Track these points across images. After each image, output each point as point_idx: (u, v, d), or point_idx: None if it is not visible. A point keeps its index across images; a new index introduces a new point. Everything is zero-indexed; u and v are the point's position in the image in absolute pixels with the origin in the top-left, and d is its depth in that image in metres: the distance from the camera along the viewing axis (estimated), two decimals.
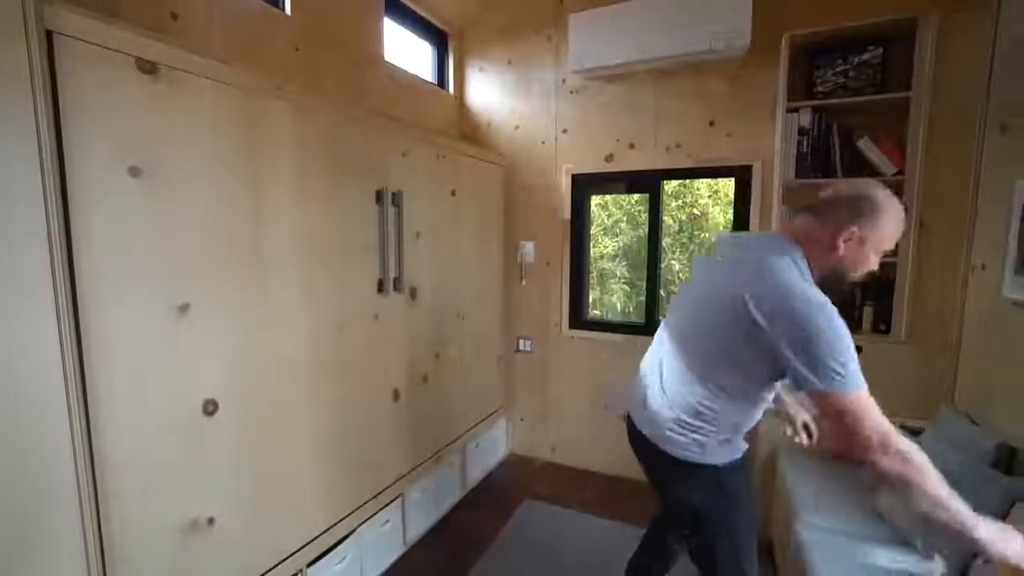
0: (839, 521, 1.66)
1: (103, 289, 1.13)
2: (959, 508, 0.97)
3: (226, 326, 1.40)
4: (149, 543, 1.25)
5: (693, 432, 1.21)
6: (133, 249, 1.18)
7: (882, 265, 2.15)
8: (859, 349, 2.25)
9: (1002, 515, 1.36)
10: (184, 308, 1.28)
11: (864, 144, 2.16)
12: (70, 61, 1.06)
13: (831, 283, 1.14)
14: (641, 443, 1.34)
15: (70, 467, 1.09)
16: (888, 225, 1.12)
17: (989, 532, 0.97)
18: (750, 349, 1.09)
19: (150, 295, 1.22)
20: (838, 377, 0.99)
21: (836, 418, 1.02)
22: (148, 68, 1.20)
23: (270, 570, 1.56)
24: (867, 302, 2.23)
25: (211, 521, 1.38)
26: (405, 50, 2.83)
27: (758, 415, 1.24)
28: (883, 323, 2.20)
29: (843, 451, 1.09)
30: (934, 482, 0.98)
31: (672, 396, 1.24)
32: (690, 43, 2.35)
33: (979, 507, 1.01)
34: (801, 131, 2.22)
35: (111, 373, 1.15)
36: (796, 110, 2.22)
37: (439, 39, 3.05)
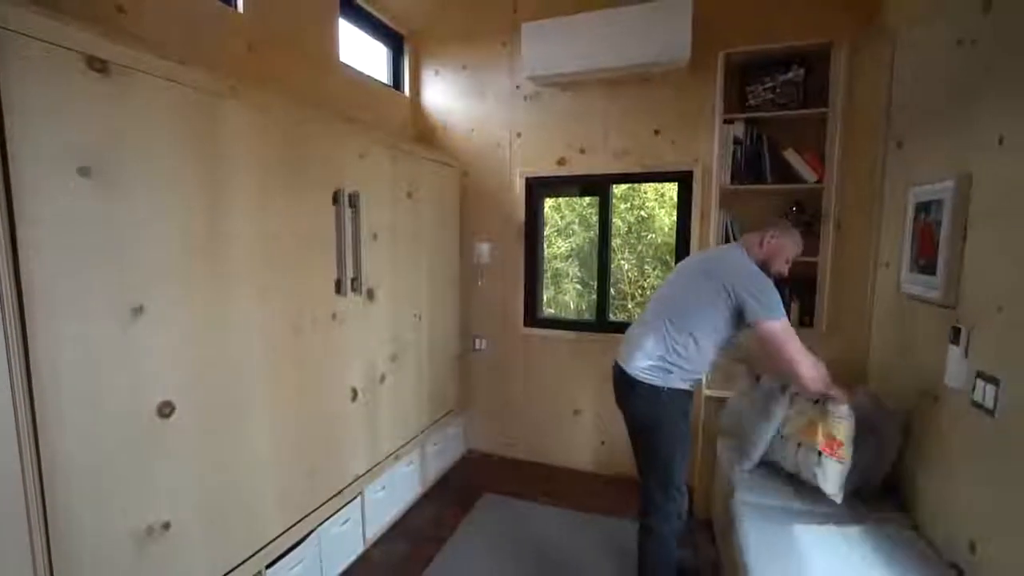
0: (766, 496, 1.84)
1: (52, 292, 1.11)
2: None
3: (182, 328, 1.38)
4: (102, 552, 1.23)
5: (664, 365, 1.74)
6: (84, 250, 1.16)
7: (806, 265, 2.39)
8: None
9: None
10: (138, 310, 1.27)
11: (790, 154, 2.38)
12: (14, 57, 1.04)
13: (761, 268, 1.78)
14: (623, 382, 1.82)
15: (16, 477, 1.06)
16: (792, 240, 1.84)
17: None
18: (720, 310, 1.70)
19: (102, 297, 1.20)
20: (776, 309, 1.65)
21: (771, 338, 1.64)
22: (99, 66, 1.18)
23: (228, 573, 1.55)
24: (794, 298, 2.46)
25: (167, 526, 1.37)
26: (360, 51, 2.83)
27: (708, 362, 1.80)
28: (808, 316, 2.43)
29: (773, 366, 1.85)
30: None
31: (657, 343, 1.75)
32: (636, 56, 2.49)
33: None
34: (736, 141, 2.42)
35: (60, 377, 1.12)
36: (731, 121, 2.41)
37: (394, 41, 3.07)
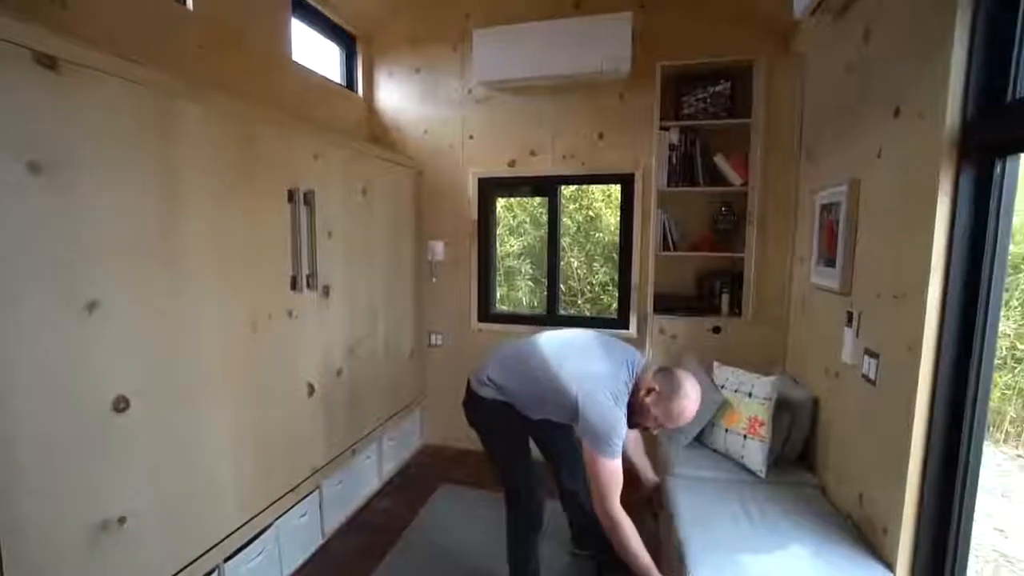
0: (699, 471, 2.04)
1: (2, 286, 1.11)
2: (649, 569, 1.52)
3: (138, 322, 1.40)
4: (55, 547, 1.23)
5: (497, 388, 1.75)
6: (33, 246, 1.17)
7: (733, 260, 2.62)
8: (718, 329, 2.70)
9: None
10: (92, 305, 1.28)
11: (719, 160, 2.61)
12: None
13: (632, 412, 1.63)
14: (475, 402, 1.82)
15: None
16: (664, 411, 1.58)
17: None
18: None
19: (54, 292, 1.21)
20: (603, 446, 1.54)
21: (590, 463, 1.56)
22: (47, 62, 1.18)
23: (186, 567, 1.57)
24: (724, 291, 2.69)
25: (122, 520, 1.38)
26: (313, 51, 2.84)
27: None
28: (736, 307, 2.68)
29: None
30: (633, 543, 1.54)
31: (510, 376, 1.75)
32: (581, 65, 2.65)
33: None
34: (671, 146, 2.62)
35: (10, 372, 1.13)
36: (667, 128, 2.62)
37: (347, 42, 3.09)
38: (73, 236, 1.24)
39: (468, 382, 1.87)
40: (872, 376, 1.57)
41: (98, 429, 1.31)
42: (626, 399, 1.61)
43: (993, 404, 3.55)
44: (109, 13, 1.69)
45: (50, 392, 1.20)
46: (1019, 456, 3.39)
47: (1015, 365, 3.40)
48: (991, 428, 3.60)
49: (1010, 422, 3.45)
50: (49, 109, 1.19)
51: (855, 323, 1.71)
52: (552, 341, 1.79)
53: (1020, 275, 3.24)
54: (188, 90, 1.53)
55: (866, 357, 1.61)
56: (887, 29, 1.58)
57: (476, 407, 1.82)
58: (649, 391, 1.60)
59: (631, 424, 1.63)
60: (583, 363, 1.66)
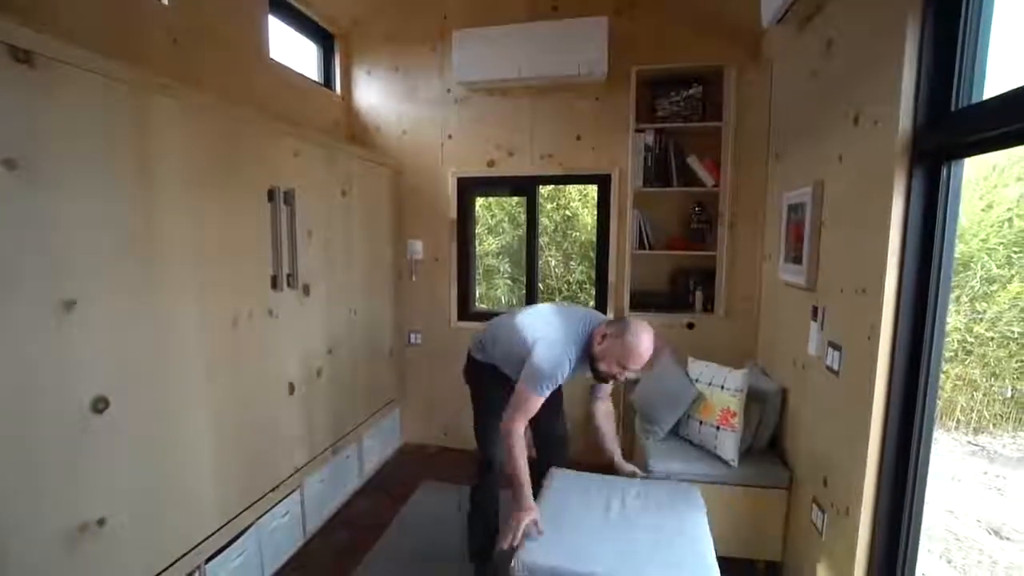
0: (673, 462, 2.12)
1: None
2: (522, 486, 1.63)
3: (116, 322, 1.38)
4: (33, 551, 1.21)
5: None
6: (9, 244, 1.15)
7: (706, 259, 2.71)
8: (692, 325, 2.78)
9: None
10: (70, 304, 1.26)
11: (692, 161, 2.70)
12: None
13: (595, 362, 1.75)
14: (470, 364, 2.09)
15: None
16: (622, 346, 1.66)
17: (521, 502, 1.60)
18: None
19: (29, 291, 1.19)
20: (532, 383, 1.70)
21: (516, 392, 1.74)
22: (22, 57, 1.16)
23: (166, 569, 1.55)
24: (697, 288, 2.79)
25: (101, 522, 1.36)
26: (290, 49, 2.82)
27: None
28: (709, 303, 2.78)
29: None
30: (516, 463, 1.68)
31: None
32: (559, 68, 2.70)
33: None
34: (646, 148, 2.70)
35: None
36: (642, 130, 2.70)
37: (325, 40, 3.07)
38: (49, 233, 1.22)
39: (468, 350, 2.12)
40: (835, 367, 1.66)
41: (77, 430, 1.29)
42: (582, 345, 1.76)
43: (946, 394, 3.76)
44: (82, 7, 1.65)
45: (27, 392, 1.18)
46: (969, 443, 3.61)
47: (965, 357, 3.61)
48: (943, 417, 3.82)
49: (960, 410, 3.66)
50: (24, 105, 1.17)
51: (820, 317, 1.81)
52: (526, 309, 2.02)
53: (968, 272, 3.45)
54: (165, 87, 1.52)
55: (830, 349, 1.71)
56: (847, 41, 1.68)
57: (471, 368, 2.11)
58: (603, 337, 1.73)
59: (597, 376, 1.79)
60: (543, 320, 1.88)
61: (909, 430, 1.41)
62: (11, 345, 1.15)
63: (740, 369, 2.16)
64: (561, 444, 2.14)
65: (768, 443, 2.19)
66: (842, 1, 1.69)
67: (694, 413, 2.21)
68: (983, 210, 3.30)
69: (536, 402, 1.71)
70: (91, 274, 1.31)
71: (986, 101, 1.19)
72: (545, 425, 2.05)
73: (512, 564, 1.44)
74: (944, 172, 1.30)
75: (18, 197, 1.16)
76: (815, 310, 1.85)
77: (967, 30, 1.23)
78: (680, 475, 2.06)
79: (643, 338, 1.66)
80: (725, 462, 2.07)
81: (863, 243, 1.51)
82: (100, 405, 1.34)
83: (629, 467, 1.96)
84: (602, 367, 1.73)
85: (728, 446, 2.06)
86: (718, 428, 2.10)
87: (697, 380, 2.26)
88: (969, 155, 1.26)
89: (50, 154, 1.22)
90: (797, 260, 2.03)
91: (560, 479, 1.87)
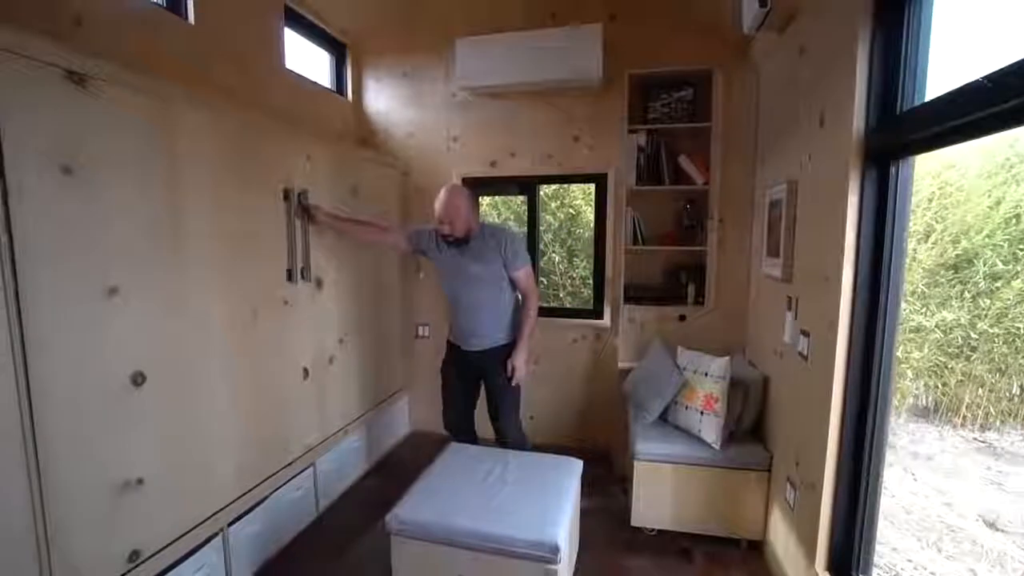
0: (659, 445, 2.25)
1: (40, 276, 1.28)
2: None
3: (151, 307, 1.57)
4: (86, 499, 1.40)
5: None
6: (66, 237, 1.34)
7: (697, 253, 2.82)
8: (683, 317, 2.89)
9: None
10: (113, 291, 1.45)
11: (683, 160, 2.82)
12: (4, 73, 1.20)
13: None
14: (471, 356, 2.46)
15: (16, 435, 1.24)
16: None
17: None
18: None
19: (83, 279, 1.38)
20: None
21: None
22: (77, 79, 1.35)
23: (194, 528, 1.75)
24: (689, 282, 2.91)
25: (140, 481, 1.55)
26: (304, 57, 3.01)
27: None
28: (700, 297, 2.89)
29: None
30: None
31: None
32: (556, 73, 2.84)
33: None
34: (639, 148, 2.83)
35: (50, 348, 1.30)
36: (635, 131, 2.82)
37: (338, 49, 3.26)
38: (96, 229, 1.41)
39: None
40: (805, 353, 1.78)
41: (120, 400, 1.48)
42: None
43: (950, 391, 3.81)
44: (120, 28, 1.85)
45: (80, 364, 1.38)
46: (975, 439, 3.64)
47: (970, 354, 3.64)
48: (948, 413, 3.86)
49: (966, 407, 3.69)
50: (77, 118, 1.36)
51: (794, 307, 1.93)
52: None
53: (972, 268, 3.49)
54: (193, 98, 1.70)
55: (801, 337, 1.83)
56: (814, 48, 1.80)
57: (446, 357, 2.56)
58: None
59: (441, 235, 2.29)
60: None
61: (865, 411, 1.53)
62: (66, 326, 1.34)
63: (723, 357, 2.29)
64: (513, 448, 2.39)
65: (751, 428, 2.31)
66: (809, 12, 1.81)
67: (680, 398, 2.34)
68: (990, 207, 3.34)
69: None
70: (130, 264, 1.50)
71: (925, 104, 1.31)
72: (503, 424, 2.50)
73: (387, 517, 1.69)
74: (893, 170, 1.41)
75: (72, 199, 1.35)
76: (790, 301, 1.96)
77: (909, 39, 1.35)
78: (664, 456, 2.19)
79: (440, 193, 2.20)
80: (708, 445, 2.19)
81: (826, 237, 1.63)
82: (139, 379, 1.53)
83: (512, 362, 2.34)
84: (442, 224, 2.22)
85: (711, 430, 2.19)
86: (702, 413, 2.23)
87: (684, 368, 2.38)
88: (913, 154, 1.37)
89: (97, 161, 1.41)
90: (775, 254, 2.15)
91: (454, 453, 2.16)
